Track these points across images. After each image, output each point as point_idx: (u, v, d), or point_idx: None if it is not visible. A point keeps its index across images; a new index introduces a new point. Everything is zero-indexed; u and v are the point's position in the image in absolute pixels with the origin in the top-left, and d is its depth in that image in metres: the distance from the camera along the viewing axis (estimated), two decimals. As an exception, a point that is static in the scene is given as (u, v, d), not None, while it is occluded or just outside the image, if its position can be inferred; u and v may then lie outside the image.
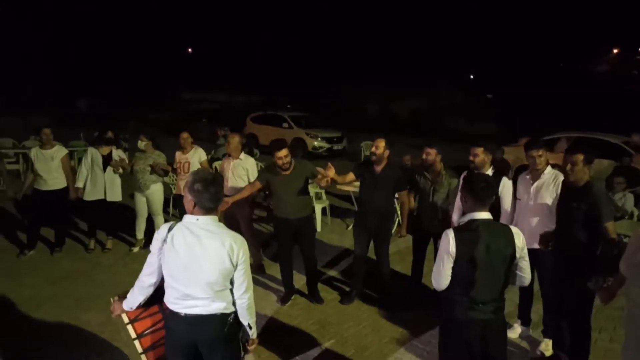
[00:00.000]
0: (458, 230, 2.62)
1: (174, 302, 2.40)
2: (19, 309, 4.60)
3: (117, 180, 6.14)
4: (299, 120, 16.38)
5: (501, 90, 25.67)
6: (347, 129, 17.19)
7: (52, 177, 5.81)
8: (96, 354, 3.86)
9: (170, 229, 2.39)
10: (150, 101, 25.46)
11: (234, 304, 2.45)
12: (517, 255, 2.62)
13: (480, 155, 4.15)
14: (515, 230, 2.66)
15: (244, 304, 2.46)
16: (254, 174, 5.36)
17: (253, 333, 2.57)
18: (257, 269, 5.47)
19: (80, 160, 6.76)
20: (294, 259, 4.95)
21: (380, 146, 4.57)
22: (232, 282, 2.42)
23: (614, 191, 6.34)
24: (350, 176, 4.84)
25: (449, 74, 25.83)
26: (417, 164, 5.34)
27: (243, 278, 2.42)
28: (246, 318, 2.49)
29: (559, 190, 3.72)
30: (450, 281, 2.63)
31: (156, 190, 6.13)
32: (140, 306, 2.58)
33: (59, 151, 5.90)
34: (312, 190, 6.94)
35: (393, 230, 5.95)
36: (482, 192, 2.62)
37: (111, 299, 2.67)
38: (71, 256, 6.01)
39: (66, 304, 4.72)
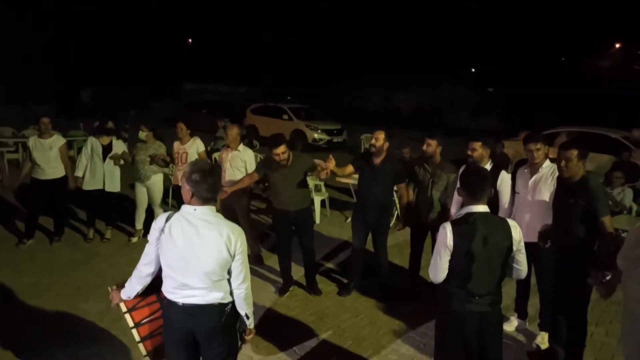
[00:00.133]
0: (455, 224, 2.62)
1: (172, 291, 2.41)
2: (18, 298, 4.61)
3: (117, 171, 6.15)
4: (299, 112, 16.32)
5: (503, 85, 25.57)
6: (348, 122, 17.15)
7: (51, 167, 5.81)
8: (95, 343, 3.88)
9: (168, 219, 2.40)
10: (152, 92, 25.39)
11: (231, 294, 2.46)
12: (514, 248, 2.63)
13: (478, 149, 4.14)
14: (512, 223, 2.66)
15: (242, 294, 2.46)
16: (252, 166, 5.33)
17: (250, 323, 2.58)
18: (255, 260, 5.47)
19: (79, 150, 6.76)
20: (292, 250, 4.96)
21: (379, 138, 4.54)
22: (229, 272, 2.42)
23: (613, 186, 6.35)
24: (350, 168, 4.82)
25: (450, 68, 25.71)
26: (417, 156, 5.32)
27: (240, 268, 2.42)
28: (243, 308, 2.51)
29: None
30: (448, 274, 2.64)
31: (157, 181, 6.14)
32: (138, 295, 2.59)
33: (57, 140, 5.90)
34: (312, 182, 6.95)
35: (391, 223, 5.96)
36: (475, 184, 2.61)
37: (109, 288, 2.68)
38: (70, 246, 6.02)
39: (65, 293, 4.74)
